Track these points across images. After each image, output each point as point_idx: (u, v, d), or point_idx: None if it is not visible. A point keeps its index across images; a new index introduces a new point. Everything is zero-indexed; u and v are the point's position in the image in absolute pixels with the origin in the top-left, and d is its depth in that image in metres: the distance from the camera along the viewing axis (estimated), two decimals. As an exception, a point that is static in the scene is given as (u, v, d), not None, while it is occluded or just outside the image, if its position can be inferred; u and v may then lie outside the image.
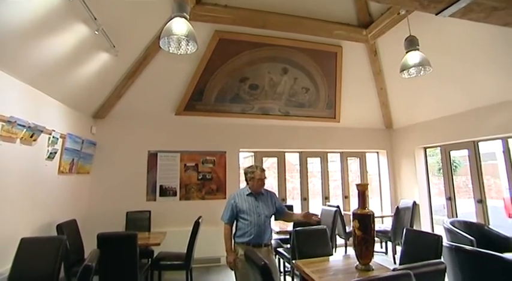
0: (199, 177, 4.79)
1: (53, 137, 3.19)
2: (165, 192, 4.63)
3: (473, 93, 4.00)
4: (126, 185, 4.46)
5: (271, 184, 5.58)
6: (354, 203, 5.63)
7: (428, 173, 5.27)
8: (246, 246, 2.35)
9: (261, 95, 4.76)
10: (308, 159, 5.68)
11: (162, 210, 4.48)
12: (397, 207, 4.58)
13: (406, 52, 2.79)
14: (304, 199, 5.50)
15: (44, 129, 2.92)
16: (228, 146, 4.97)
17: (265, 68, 4.46)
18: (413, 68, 2.75)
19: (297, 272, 3.09)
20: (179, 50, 2.17)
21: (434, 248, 2.30)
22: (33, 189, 2.93)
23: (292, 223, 3.65)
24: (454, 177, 4.80)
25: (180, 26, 1.97)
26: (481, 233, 3.36)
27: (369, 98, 5.17)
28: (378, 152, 6.02)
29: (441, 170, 5.05)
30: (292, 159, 6.10)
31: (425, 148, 5.32)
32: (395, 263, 4.33)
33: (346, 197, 5.74)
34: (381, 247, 5.06)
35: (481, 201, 4.21)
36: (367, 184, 2.40)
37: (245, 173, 2.57)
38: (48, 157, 3.17)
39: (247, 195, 2.51)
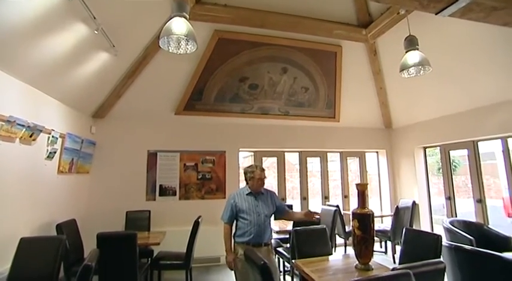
0: (199, 177, 4.79)
1: (53, 136, 3.18)
2: (164, 192, 4.63)
3: (473, 93, 4.00)
4: (125, 184, 4.46)
5: (270, 183, 5.58)
6: (353, 203, 5.63)
7: (427, 173, 5.28)
8: (246, 246, 2.35)
9: (260, 95, 4.76)
10: (308, 159, 5.68)
11: (162, 210, 4.48)
12: (397, 207, 4.58)
13: (406, 52, 2.79)
14: (304, 199, 5.50)
15: (43, 128, 2.92)
16: (227, 146, 4.97)
17: (265, 68, 4.46)
18: (412, 67, 2.76)
19: (297, 272, 3.10)
20: (179, 49, 2.17)
21: (433, 248, 2.31)
22: (32, 189, 2.93)
23: (291, 223, 3.66)
24: (453, 177, 4.81)
25: (179, 25, 1.96)
26: (480, 232, 3.37)
27: (369, 97, 5.17)
28: (377, 152, 6.03)
29: (441, 170, 5.05)
30: (291, 159, 6.11)
31: (424, 148, 5.32)
32: (394, 262, 4.33)
33: (345, 196, 5.75)
34: (381, 247, 5.07)
35: (480, 201, 4.22)
36: (367, 184, 2.41)
37: (245, 173, 2.56)
38: (48, 157, 3.16)
39: (246, 194, 2.51)
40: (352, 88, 4.96)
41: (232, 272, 2.47)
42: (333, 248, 3.85)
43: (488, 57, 3.47)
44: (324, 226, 2.97)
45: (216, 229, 4.26)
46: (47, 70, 2.84)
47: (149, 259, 3.63)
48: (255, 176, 2.48)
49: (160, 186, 4.63)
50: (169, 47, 2.15)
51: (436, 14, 2.01)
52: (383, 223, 5.53)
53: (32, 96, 2.88)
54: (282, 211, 2.63)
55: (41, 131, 2.89)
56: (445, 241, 2.45)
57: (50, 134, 3.13)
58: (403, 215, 4.63)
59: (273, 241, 2.90)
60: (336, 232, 4.46)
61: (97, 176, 4.35)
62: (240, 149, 5.11)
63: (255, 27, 3.80)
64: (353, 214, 2.23)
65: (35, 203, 2.99)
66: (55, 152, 3.28)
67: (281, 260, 3.74)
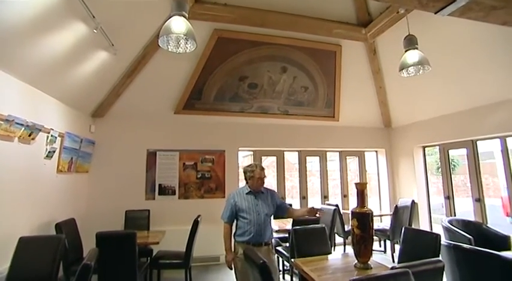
0: (198, 176, 4.79)
1: (52, 135, 3.18)
2: (164, 191, 4.63)
3: (472, 92, 4.00)
4: (125, 184, 4.45)
5: (270, 183, 5.58)
6: (352, 202, 5.64)
7: (427, 172, 5.28)
8: (246, 245, 2.35)
9: (260, 94, 4.75)
10: (307, 158, 5.68)
11: (161, 209, 4.48)
12: (396, 206, 4.59)
13: (405, 51, 2.80)
14: (303, 198, 5.51)
15: (42, 128, 2.91)
16: (227, 145, 4.97)
17: (265, 67, 4.45)
18: (412, 67, 2.76)
19: (296, 271, 3.10)
20: (178, 48, 2.17)
21: (432, 247, 2.32)
22: (31, 188, 2.93)
23: (291, 222, 3.66)
24: (452, 176, 4.82)
25: (179, 24, 1.96)
26: (479, 231, 3.37)
27: (368, 97, 5.17)
28: (376, 151, 6.03)
29: (440, 169, 5.06)
30: (291, 158, 6.11)
31: (424, 147, 5.33)
32: (393, 261, 4.34)
33: (345, 196, 5.75)
34: (380, 246, 5.08)
35: (479, 200, 4.23)
36: (366, 183, 2.41)
37: (244, 172, 2.56)
38: (47, 156, 3.16)
39: (246, 194, 2.51)
40: (352, 87, 4.96)
41: (232, 271, 2.47)
42: (332, 247, 3.86)
43: (487, 56, 3.48)
44: (323, 225, 2.97)
45: (216, 228, 4.24)
46: (46, 69, 2.84)
47: (148, 258, 3.64)
48: (254, 175, 2.47)
49: (160, 185, 4.63)
50: (169, 46, 2.14)
51: (435, 13, 2.01)
52: (382, 222, 5.54)
53: (30, 95, 2.87)
54: (283, 209, 2.63)
55: (40, 130, 2.88)
56: (444, 240, 2.45)
57: (49, 133, 3.13)
58: (402, 215, 4.64)
59: (272, 240, 2.90)
60: (335, 231, 4.46)
61: (96, 176, 4.35)
62: (240, 149, 5.11)
63: (255, 26, 3.79)
64: (352, 213, 2.24)
65: (34, 202, 2.98)
66: (54, 152, 3.27)
67: (280, 259, 3.74)
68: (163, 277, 3.69)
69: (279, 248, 3.68)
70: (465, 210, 4.82)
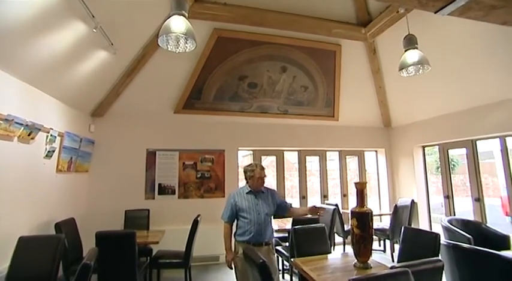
0: (198, 175, 4.79)
1: (51, 135, 3.17)
2: (163, 190, 4.63)
3: (472, 91, 4.01)
4: (124, 183, 4.45)
5: (270, 182, 5.57)
6: (352, 202, 5.64)
7: (426, 172, 5.29)
8: (246, 245, 2.35)
9: (259, 94, 4.75)
10: (307, 157, 5.69)
11: (161, 208, 4.48)
12: (396, 205, 4.59)
13: (405, 51, 2.79)
14: (303, 198, 5.51)
15: (41, 127, 2.91)
16: (226, 145, 4.96)
17: (264, 67, 4.45)
18: (412, 66, 2.76)
19: (296, 270, 3.10)
20: (178, 48, 2.16)
21: (432, 246, 2.32)
22: (31, 187, 2.92)
23: (290, 221, 3.66)
24: (452, 175, 4.82)
25: (178, 23, 1.96)
26: (478, 231, 3.38)
27: (368, 96, 5.17)
28: (376, 151, 6.03)
29: (439, 169, 5.06)
30: (291, 157, 6.11)
31: (423, 147, 5.33)
32: (393, 261, 4.34)
33: (344, 195, 5.76)
34: (379, 245, 5.09)
35: (478, 199, 4.23)
36: (366, 183, 2.42)
37: (245, 172, 2.56)
38: (46, 156, 3.15)
39: (247, 193, 2.51)
40: (351, 87, 4.96)
41: (231, 271, 2.47)
42: (332, 247, 3.86)
43: (487, 56, 3.48)
44: (323, 225, 2.97)
45: (215, 227, 4.25)
46: (45, 68, 2.83)
47: (148, 257, 3.64)
48: (255, 174, 2.47)
49: (160, 185, 4.63)
50: (168, 46, 2.14)
51: (435, 12, 2.01)
52: (382, 222, 5.54)
53: (30, 94, 2.86)
54: (284, 209, 2.62)
55: (39, 129, 2.88)
56: (443, 240, 2.46)
57: (48, 132, 3.12)
58: (402, 214, 4.64)
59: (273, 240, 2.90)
60: (335, 230, 4.47)
61: (96, 175, 4.34)
62: (239, 148, 5.11)
63: (254, 25, 3.79)
64: (352, 212, 2.24)
65: (34, 202, 2.98)
66: (54, 151, 3.27)
67: (280, 258, 3.75)
68: (163, 277, 3.69)
69: (278, 247, 3.68)
70: (465, 210, 4.82)
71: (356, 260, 2.22)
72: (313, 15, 3.82)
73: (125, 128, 4.58)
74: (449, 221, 3.44)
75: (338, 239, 4.73)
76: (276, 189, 5.34)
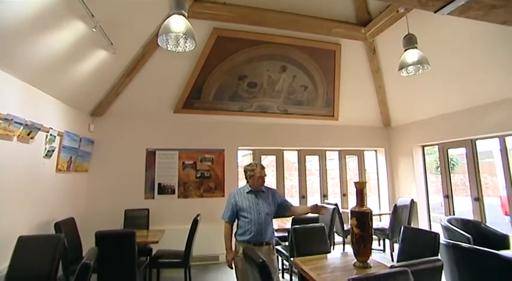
0: (198, 175, 4.79)
1: (51, 135, 3.17)
2: (163, 190, 4.63)
3: (472, 91, 4.01)
4: (124, 183, 4.45)
5: (269, 182, 5.56)
6: (352, 201, 5.64)
7: (426, 171, 5.29)
8: (247, 244, 2.35)
9: (259, 93, 4.75)
10: (306, 157, 5.69)
11: (161, 208, 4.48)
12: (395, 205, 4.60)
13: (405, 50, 2.80)
14: (303, 197, 5.52)
15: (41, 127, 2.91)
16: (226, 144, 4.96)
17: (264, 66, 4.45)
18: (411, 66, 2.76)
19: (295, 270, 3.10)
20: (177, 47, 2.16)
21: (431, 246, 2.32)
22: (30, 187, 2.92)
23: (290, 221, 3.66)
24: (451, 175, 4.82)
25: (178, 23, 1.96)
26: (477, 230, 3.38)
27: (367, 96, 5.17)
28: (376, 150, 6.04)
29: (439, 168, 5.07)
30: (290, 157, 6.11)
31: (423, 146, 5.33)
32: (392, 260, 4.35)
33: (344, 195, 5.76)
34: (379, 245, 5.09)
35: (478, 199, 4.24)
36: (365, 182, 2.42)
37: (245, 171, 2.55)
38: (46, 155, 3.15)
39: (247, 193, 2.50)
40: (351, 87, 4.96)
41: (230, 270, 2.47)
42: (332, 247, 3.87)
43: (487, 55, 3.48)
44: (323, 224, 2.98)
45: (215, 227, 4.25)
46: (45, 68, 2.83)
47: (148, 257, 3.64)
48: (255, 174, 2.47)
49: (159, 184, 4.63)
50: (168, 45, 2.14)
51: (435, 12, 2.01)
52: (381, 221, 5.55)
53: (29, 94, 2.86)
54: (284, 208, 2.60)
55: (39, 129, 2.88)
56: (442, 239, 2.46)
57: (48, 132, 3.12)
58: (401, 214, 4.65)
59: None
60: (335, 230, 4.47)
61: (95, 175, 4.34)
62: (239, 148, 5.11)
63: (254, 25, 3.79)
64: (351, 212, 2.24)
65: (33, 201, 2.98)
66: (53, 151, 3.27)
67: (280, 258, 3.75)
68: (163, 276, 3.69)
69: (278, 247, 3.69)
70: (464, 209, 4.83)
71: (355, 260, 2.22)
72: (312, 14, 3.82)
73: (124, 127, 4.58)
74: (449, 221, 3.45)
75: (338, 238, 4.74)
76: (275, 188, 5.34)
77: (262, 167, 2.52)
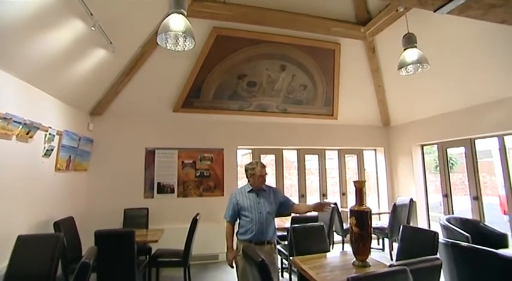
0: (197, 174, 4.79)
1: (50, 134, 3.16)
2: (162, 189, 4.63)
3: (471, 90, 4.01)
4: (123, 182, 4.44)
5: (269, 181, 5.56)
6: (351, 200, 5.65)
7: (425, 171, 5.30)
8: (248, 243, 2.34)
9: (258, 92, 4.75)
10: (306, 156, 5.69)
11: (160, 207, 4.47)
12: (394, 204, 4.61)
13: (404, 49, 2.80)
14: (302, 196, 5.52)
15: (40, 126, 2.90)
16: (225, 143, 4.96)
17: (263, 65, 4.44)
18: (411, 65, 2.77)
19: (295, 269, 3.11)
20: (176, 46, 2.15)
21: (430, 245, 2.33)
22: (30, 186, 2.92)
23: (289, 220, 3.66)
24: (450, 174, 4.83)
25: (177, 22, 1.95)
26: (476, 229, 3.39)
27: (367, 95, 5.18)
28: (375, 150, 6.04)
29: (438, 168, 5.07)
30: (290, 156, 6.11)
31: (422, 146, 5.34)
32: (392, 259, 4.36)
33: (343, 194, 5.77)
34: (378, 244, 5.10)
35: (476, 198, 4.25)
36: (365, 181, 2.42)
37: (246, 170, 2.55)
38: (45, 154, 3.15)
39: (248, 192, 2.50)
40: (351, 86, 4.96)
41: (230, 269, 2.48)
42: (331, 246, 3.88)
43: (486, 55, 3.48)
44: (322, 223, 2.98)
45: (214, 226, 4.27)
46: (44, 67, 2.82)
47: (147, 256, 3.64)
48: (255, 173, 2.47)
49: (159, 183, 4.62)
50: (167, 44, 2.13)
51: (434, 11, 2.01)
52: (380, 220, 5.56)
53: (28, 93, 2.85)
54: (287, 206, 2.59)
55: (37, 128, 2.87)
56: (441, 238, 2.47)
57: (47, 131, 3.11)
58: (401, 213, 4.66)
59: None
60: (334, 229, 4.48)
61: (95, 174, 4.34)
62: (238, 147, 5.10)
63: (253, 24, 3.79)
64: (351, 211, 2.24)
65: (33, 200, 2.98)
66: (52, 150, 3.26)
67: (279, 257, 3.75)
68: (162, 275, 3.69)
69: (277, 246, 3.69)
70: (463, 208, 4.83)
71: (355, 259, 2.22)
72: (312, 13, 3.82)
73: (123, 126, 4.57)
74: (448, 220, 3.45)
75: (337, 237, 4.75)
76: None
77: (263, 166, 2.52)
